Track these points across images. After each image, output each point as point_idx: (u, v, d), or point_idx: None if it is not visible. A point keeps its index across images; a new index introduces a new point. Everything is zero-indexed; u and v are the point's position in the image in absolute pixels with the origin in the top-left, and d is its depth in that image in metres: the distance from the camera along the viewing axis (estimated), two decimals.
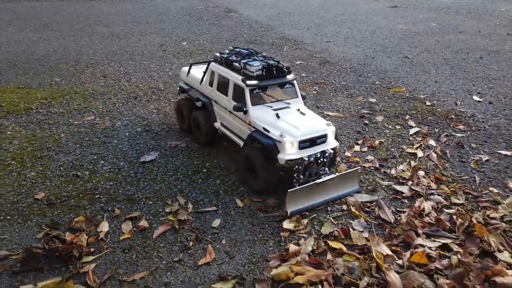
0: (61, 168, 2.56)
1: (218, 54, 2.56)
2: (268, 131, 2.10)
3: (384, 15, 8.31)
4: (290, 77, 2.34)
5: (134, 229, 2.02)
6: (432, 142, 2.93)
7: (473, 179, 2.48)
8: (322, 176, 2.13)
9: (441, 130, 3.16)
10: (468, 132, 3.11)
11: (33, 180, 2.42)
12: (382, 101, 3.74)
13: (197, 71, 2.84)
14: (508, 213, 2.10)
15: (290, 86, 2.35)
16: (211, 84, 2.56)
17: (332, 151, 2.15)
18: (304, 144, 2.07)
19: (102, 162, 2.64)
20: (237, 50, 2.57)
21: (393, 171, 2.54)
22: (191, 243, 1.91)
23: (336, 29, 6.94)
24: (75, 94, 3.86)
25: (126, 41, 5.97)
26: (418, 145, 2.89)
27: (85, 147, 2.83)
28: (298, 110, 2.27)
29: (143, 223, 2.04)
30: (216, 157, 2.68)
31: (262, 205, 2.18)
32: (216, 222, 2.06)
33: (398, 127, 3.21)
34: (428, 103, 3.68)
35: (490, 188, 2.37)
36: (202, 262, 1.80)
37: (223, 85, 2.43)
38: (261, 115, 2.19)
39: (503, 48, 5.63)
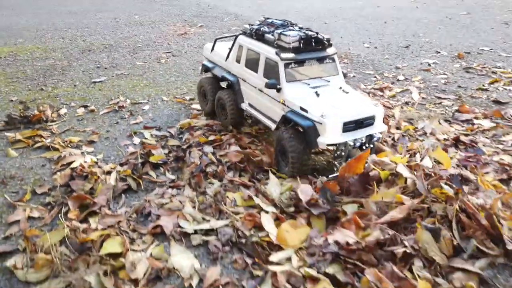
0: (29, 86, 3.34)
1: (247, 26, 2.26)
2: (306, 111, 1.82)
3: None
4: (330, 50, 2.05)
5: (86, 111, 2.84)
6: None
7: None
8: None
9: None
10: (349, 63, 4.10)
11: (7, 93, 3.18)
12: None
13: (223, 47, 2.53)
14: None
15: (330, 61, 2.06)
16: (238, 60, 2.27)
17: (380, 136, 1.91)
18: (349, 126, 1.80)
19: (61, 83, 3.43)
20: (270, 21, 2.26)
21: None
22: (126, 116, 2.75)
23: (272, 5, 7.90)
24: (37, 49, 4.58)
25: (83, 16, 6.66)
26: None
27: (47, 76, 3.60)
28: (340, 88, 1.99)
29: (92, 108, 2.87)
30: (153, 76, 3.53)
31: (182, 98, 3.05)
32: (147, 107, 2.91)
33: None
34: None
35: None
36: (133, 122, 2.65)
37: (252, 61, 2.15)
38: (297, 93, 1.91)
39: (406, 16, 6.75)
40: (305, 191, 1.73)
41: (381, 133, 1.93)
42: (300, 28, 2.15)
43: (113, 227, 1.64)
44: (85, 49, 4.61)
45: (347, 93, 1.96)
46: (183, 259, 1.49)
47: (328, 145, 1.80)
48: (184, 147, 2.27)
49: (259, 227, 1.62)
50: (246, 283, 1.40)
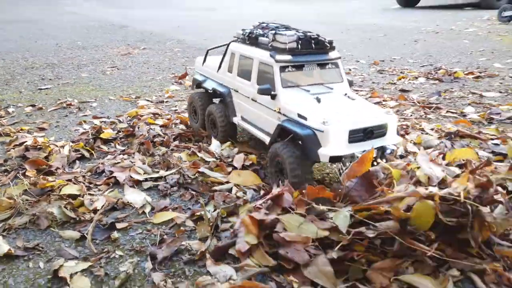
0: None
1: (240, 31, 2.06)
2: (305, 118, 1.59)
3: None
4: (333, 54, 1.83)
5: (34, 109, 2.98)
6: None
7: None
8: None
9: None
10: None
11: None
12: None
13: (215, 59, 2.32)
14: None
15: (333, 66, 1.84)
16: (230, 70, 2.07)
17: (394, 148, 1.65)
18: (356, 136, 1.55)
19: (6, 91, 3.52)
20: (264, 24, 2.04)
21: None
22: (75, 111, 2.92)
23: (215, 32, 8.42)
24: None
25: (22, 43, 6.68)
26: None
27: None
28: (345, 94, 1.77)
29: (40, 106, 3.01)
30: None
31: (128, 96, 3.29)
32: (94, 104, 3.11)
33: None
34: None
35: None
36: (82, 115, 2.84)
37: (245, 68, 1.95)
38: (295, 99, 1.69)
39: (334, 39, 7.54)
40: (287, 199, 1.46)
41: (395, 145, 1.66)
42: (297, 30, 1.89)
43: (70, 180, 1.82)
44: (28, 66, 4.69)
45: (353, 99, 1.72)
46: (136, 196, 1.72)
47: (331, 157, 1.51)
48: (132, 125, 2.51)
49: (202, 173, 1.89)
50: (192, 206, 1.65)
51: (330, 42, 1.84)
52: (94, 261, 1.33)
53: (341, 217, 1.31)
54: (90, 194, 1.72)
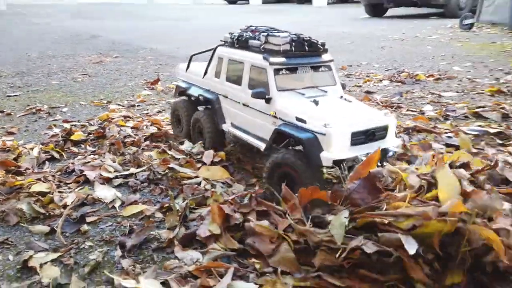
0: None
1: (227, 35, 2.01)
2: (304, 121, 1.55)
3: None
4: (326, 57, 1.80)
5: (2, 115, 2.95)
6: None
7: None
8: None
9: None
10: None
11: None
12: None
13: (199, 65, 2.27)
14: None
15: (327, 69, 1.81)
16: (218, 75, 2.01)
17: (396, 150, 1.65)
18: (358, 138, 1.53)
19: None
20: (253, 27, 2.00)
21: None
22: (45, 116, 2.92)
23: (188, 42, 8.50)
24: None
25: None
26: None
27: None
28: (341, 97, 1.75)
29: (8, 112, 2.99)
30: None
31: (100, 101, 3.30)
32: (65, 109, 3.11)
33: None
34: None
35: None
36: (52, 119, 2.83)
37: (235, 73, 1.90)
38: (291, 103, 1.65)
39: None
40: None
41: (396, 147, 1.65)
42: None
43: (40, 179, 1.84)
44: None
45: (350, 102, 1.71)
46: (106, 192, 1.75)
47: (334, 161, 1.47)
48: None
49: (171, 169, 1.94)
50: (161, 199, 1.71)
51: (323, 44, 1.80)
52: (64, 251, 1.36)
53: (337, 225, 1.22)
54: (59, 192, 1.75)
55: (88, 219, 1.55)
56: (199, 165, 1.99)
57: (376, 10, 11.61)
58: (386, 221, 1.21)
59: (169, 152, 2.10)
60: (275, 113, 1.66)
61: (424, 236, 1.17)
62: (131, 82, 4.16)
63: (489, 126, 2.47)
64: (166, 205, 1.62)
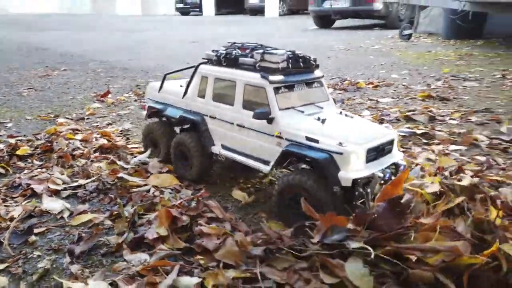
0: None
1: (211, 52, 1.91)
2: (316, 141, 1.52)
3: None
4: (318, 73, 1.80)
5: None
6: None
7: None
8: None
9: None
10: None
11: None
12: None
13: (174, 84, 2.17)
14: None
15: (319, 85, 1.80)
16: (202, 95, 1.92)
17: (405, 164, 1.65)
18: (371, 154, 1.51)
19: None
20: (239, 44, 1.92)
21: None
22: None
23: (130, 53, 8.46)
24: None
25: None
26: None
27: None
28: (341, 113, 1.73)
29: None
30: None
31: (47, 115, 3.26)
32: (9, 124, 3.05)
33: None
34: None
35: None
36: None
37: (223, 92, 1.83)
38: (296, 122, 1.61)
39: None
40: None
41: (402, 160, 1.66)
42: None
43: None
44: None
45: (351, 117, 1.69)
46: (54, 203, 1.78)
47: (354, 180, 1.44)
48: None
49: (121, 178, 2.00)
50: (110, 208, 1.76)
51: (315, 60, 1.78)
52: (11, 262, 1.39)
53: (353, 268, 1.16)
54: (5, 206, 1.75)
55: (36, 230, 1.58)
56: (148, 174, 2.06)
57: (324, 21, 12.17)
58: (415, 258, 1.17)
59: (119, 163, 2.15)
60: (280, 134, 1.61)
61: (453, 270, 1.14)
62: (80, 95, 4.13)
63: (417, 127, 2.74)
64: (115, 212, 1.67)
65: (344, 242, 1.23)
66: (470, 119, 2.95)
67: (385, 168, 1.52)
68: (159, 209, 1.59)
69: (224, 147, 1.87)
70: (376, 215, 1.27)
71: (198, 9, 21.00)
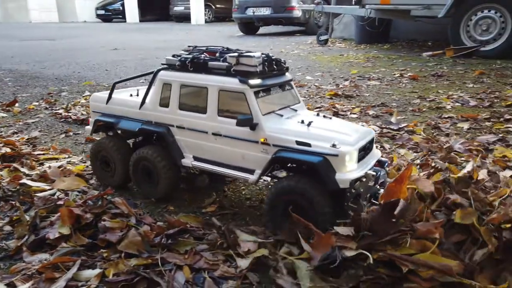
0: None
1: (171, 57, 1.77)
2: (308, 145, 1.48)
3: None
4: (289, 76, 1.77)
5: None
6: None
7: None
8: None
9: None
10: None
11: None
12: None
13: (124, 94, 2.00)
14: None
15: (290, 87, 1.77)
16: (165, 104, 1.76)
17: (387, 160, 1.69)
18: (360, 154, 1.51)
19: None
20: (203, 48, 1.81)
21: None
22: None
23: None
24: None
25: None
26: None
27: None
28: (318, 114, 1.70)
29: None
30: None
31: None
32: None
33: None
34: None
35: None
36: None
37: (192, 100, 1.71)
38: (281, 126, 1.56)
39: None
40: None
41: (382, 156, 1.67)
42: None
43: None
44: None
45: (330, 118, 1.68)
46: None
47: (351, 181, 1.42)
48: None
49: (23, 184, 1.94)
50: (11, 214, 1.71)
51: (284, 63, 1.75)
52: None
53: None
54: None
55: None
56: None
57: (249, 28, 12.52)
58: (406, 269, 1.17)
59: (22, 170, 2.08)
60: (266, 140, 1.54)
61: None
62: None
63: None
64: (16, 217, 1.64)
65: (336, 258, 1.22)
66: (368, 113, 3.29)
67: (376, 167, 1.55)
68: (60, 209, 1.58)
69: (197, 158, 1.74)
70: (371, 220, 1.29)
71: (121, 16, 20.36)
